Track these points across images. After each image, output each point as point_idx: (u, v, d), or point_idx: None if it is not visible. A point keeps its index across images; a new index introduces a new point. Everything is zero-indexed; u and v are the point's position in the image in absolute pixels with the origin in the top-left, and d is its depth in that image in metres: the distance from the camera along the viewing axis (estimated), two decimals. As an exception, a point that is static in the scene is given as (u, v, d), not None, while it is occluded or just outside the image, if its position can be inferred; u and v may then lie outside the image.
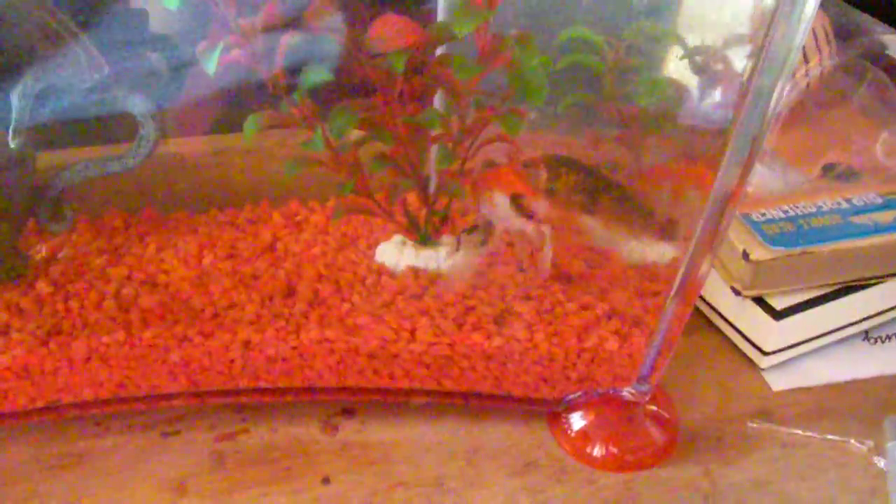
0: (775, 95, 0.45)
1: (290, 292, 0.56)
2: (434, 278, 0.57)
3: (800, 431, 0.60)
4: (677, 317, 0.53)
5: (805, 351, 0.66)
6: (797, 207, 0.65)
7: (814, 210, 0.65)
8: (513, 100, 0.53)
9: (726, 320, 0.66)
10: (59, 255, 0.59)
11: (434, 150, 0.54)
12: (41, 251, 0.58)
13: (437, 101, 0.55)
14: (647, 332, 0.55)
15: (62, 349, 0.51)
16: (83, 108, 0.54)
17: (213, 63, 0.45)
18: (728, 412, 0.62)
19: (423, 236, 0.58)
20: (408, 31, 0.46)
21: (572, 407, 0.58)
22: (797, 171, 0.70)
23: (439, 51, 0.52)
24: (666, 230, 0.59)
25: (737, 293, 0.63)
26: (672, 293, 0.52)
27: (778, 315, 0.62)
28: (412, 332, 0.54)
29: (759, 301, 0.63)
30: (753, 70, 0.45)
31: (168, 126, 0.60)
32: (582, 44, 0.57)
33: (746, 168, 0.47)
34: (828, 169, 0.72)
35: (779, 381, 0.64)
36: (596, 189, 0.58)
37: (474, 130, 0.53)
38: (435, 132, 0.53)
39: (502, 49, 0.49)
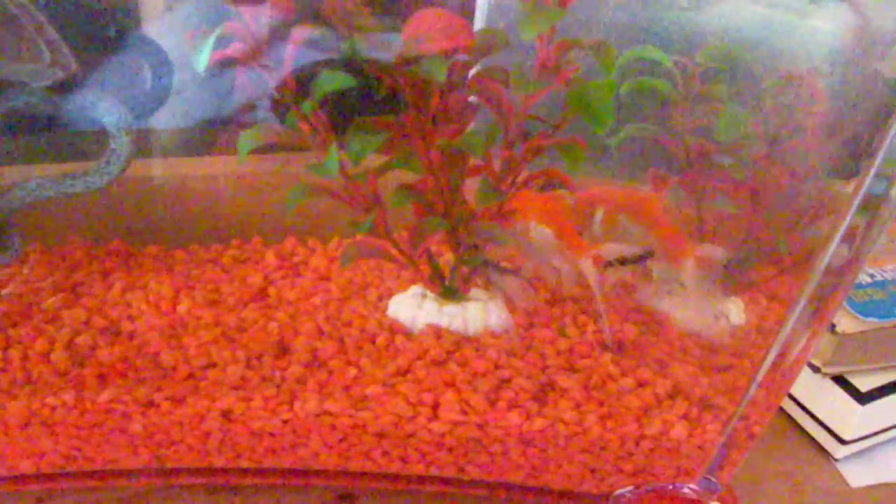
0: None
1: (284, 351, 0.46)
2: (460, 341, 0.47)
3: (888, 541, 0.50)
4: (764, 406, 0.43)
5: (887, 440, 0.56)
6: (884, 271, 0.55)
7: (904, 275, 0.55)
8: (566, 127, 0.43)
9: (797, 402, 0.56)
10: (3, 293, 0.48)
11: (471, 185, 0.44)
12: (-21, 287, 0.49)
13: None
14: (723, 419, 0.44)
15: (-6, 411, 0.42)
16: (42, 111, 0.44)
17: (206, 56, 0.35)
18: (801, 513, 0.51)
19: (449, 289, 0.48)
20: (455, 30, 0.36)
21: (621, 503, 0.47)
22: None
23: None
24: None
25: (815, 370, 0.53)
26: (759, 377, 0.42)
27: (862, 398, 0.53)
28: (434, 407, 0.44)
29: (841, 380, 0.54)
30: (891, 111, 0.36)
31: (147, 144, 0.51)
32: (647, 67, 0.48)
33: (875, 228, 0.37)
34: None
35: (858, 476, 0.54)
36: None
37: (521, 163, 0.43)
38: (473, 162, 0.43)
39: (565, 62, 0.39)
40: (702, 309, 0.41)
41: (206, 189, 0.58)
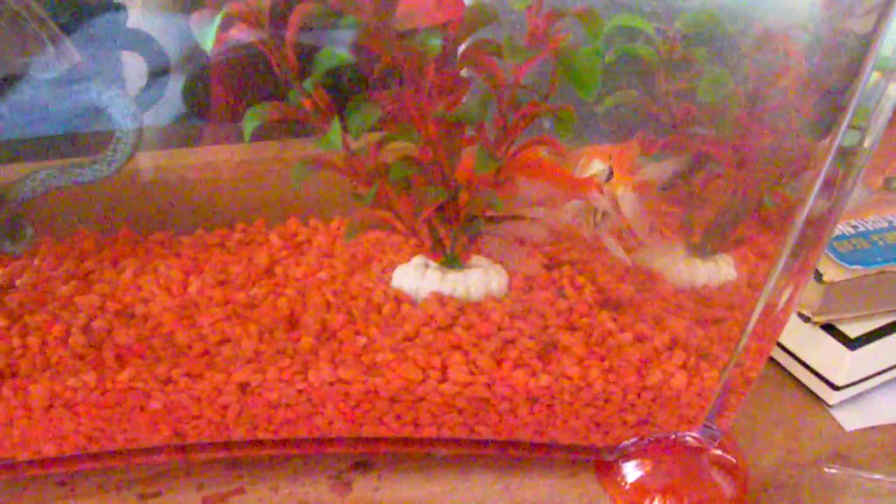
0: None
1: (294, 324, 0.48)
2: (463, 307, 0.49)
3: (883, 477, 0.52)
4: (757, 352, 0.45)
5: (877, 384, 0.58)
6: (867, 222, 0.57)
7: (886, 225, 0.57)
8: (555, 95, 0.45)
9: (789, 352, 0.58)
10: (18, 282, 0.49)
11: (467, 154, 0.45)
12: (-5, 277, 0.49)
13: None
14: (719, 366, 0.46)
15: (18, 394, 0.44)
16: (49, 103, 0.46)
17: (210, 37, 0.36)
18: (801, 456, 0.54)
19: (450, 257, 0.50)
20: (447, 4, 0.38)
21: (626, 455, 0.50)
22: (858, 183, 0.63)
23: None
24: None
25: (805, 319, 0.56)
26: (749, 326, 0.44)
27: (852, 344, 0.55)
28: (443, 370, 0.45)
29: (830, 328, 0.56)
30: (860, 67, 0.38)
31: (150, 136, 0.52)
32: (630, 34, 0.50)
33: (850, 178, 0.39)
34: (889, 181, 0.65)
35: (851, 420, 0.57)
36: None
37: (515, 130, 0.45)
38: (470, 132, 0.45)
39: (553, 31, 0.41)
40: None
41: (208, 178, 0.59)
